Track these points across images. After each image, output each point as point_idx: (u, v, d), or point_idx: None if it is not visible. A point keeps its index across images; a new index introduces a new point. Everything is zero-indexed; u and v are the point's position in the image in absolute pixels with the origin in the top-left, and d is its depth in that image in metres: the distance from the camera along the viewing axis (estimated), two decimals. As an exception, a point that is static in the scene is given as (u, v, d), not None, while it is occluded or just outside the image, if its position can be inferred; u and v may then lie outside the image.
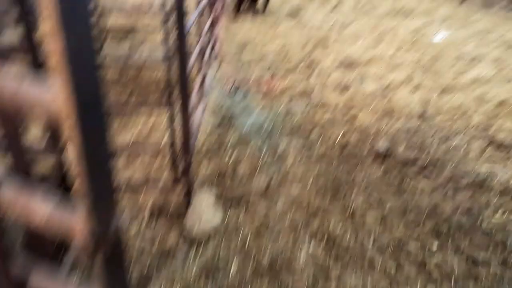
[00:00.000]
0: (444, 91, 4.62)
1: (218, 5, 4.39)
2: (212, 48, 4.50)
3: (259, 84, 4.51)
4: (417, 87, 4.66)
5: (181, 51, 2.11)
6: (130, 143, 3.24)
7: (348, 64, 5.30)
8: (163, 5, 2.09)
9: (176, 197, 2.57)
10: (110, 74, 4.38)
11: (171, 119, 2.32)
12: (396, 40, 6.51)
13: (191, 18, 2.57)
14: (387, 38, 6.65)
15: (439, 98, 4.41)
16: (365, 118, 3.86)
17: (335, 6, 9.27)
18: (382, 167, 3.19)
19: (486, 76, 5.05)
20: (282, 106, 3.97)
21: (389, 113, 4.03)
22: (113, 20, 5.76)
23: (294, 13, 8.42)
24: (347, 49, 5.92)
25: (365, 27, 7.37)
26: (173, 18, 2.03)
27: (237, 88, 4.24)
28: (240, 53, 5.65)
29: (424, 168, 3.20)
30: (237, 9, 7.89)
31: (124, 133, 3.39)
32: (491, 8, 10.39)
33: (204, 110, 3.58)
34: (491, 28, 7.78)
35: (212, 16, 4.15)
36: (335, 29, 7.23)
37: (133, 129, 3.45)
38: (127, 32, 5.84)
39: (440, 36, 6.98)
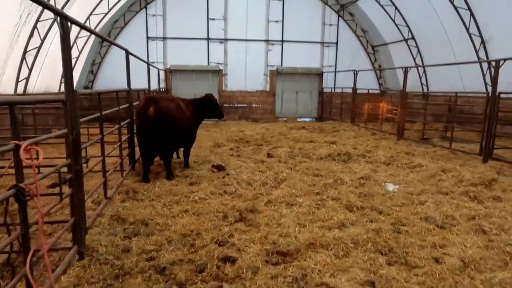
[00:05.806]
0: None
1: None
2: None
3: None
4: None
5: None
6: None
7: (279, 255, 3.49)
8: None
9: None
10: None
11: None
12: (341, 201, 5.05)
13: None
14: (329, 197, 5.21)
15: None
16: None
17: (265, 159, 8.09)
18: None
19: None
20: None
21: None
22: None
23: (218, 169, 6.98)
24: (279, 223, 4.25)
25: (301, 182, 6.00)
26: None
27: None
28: (123, 246, 3.67)
29: None
30: (145, 169, 6.25)
31: None
32: (428, 144, 10.10)
33: None
34: (440, 169, 6.84)
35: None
36: (265, 189, 5.74)
37: None
38: None
39: (391, 187, 5.74)
